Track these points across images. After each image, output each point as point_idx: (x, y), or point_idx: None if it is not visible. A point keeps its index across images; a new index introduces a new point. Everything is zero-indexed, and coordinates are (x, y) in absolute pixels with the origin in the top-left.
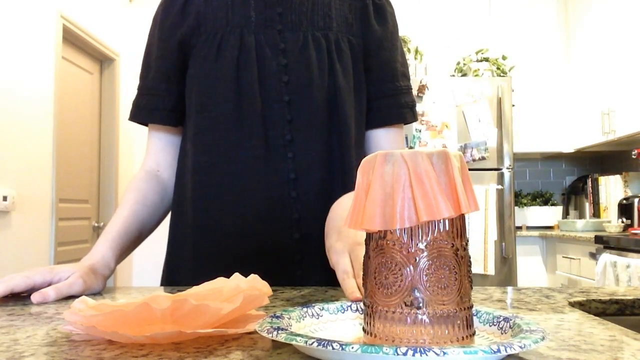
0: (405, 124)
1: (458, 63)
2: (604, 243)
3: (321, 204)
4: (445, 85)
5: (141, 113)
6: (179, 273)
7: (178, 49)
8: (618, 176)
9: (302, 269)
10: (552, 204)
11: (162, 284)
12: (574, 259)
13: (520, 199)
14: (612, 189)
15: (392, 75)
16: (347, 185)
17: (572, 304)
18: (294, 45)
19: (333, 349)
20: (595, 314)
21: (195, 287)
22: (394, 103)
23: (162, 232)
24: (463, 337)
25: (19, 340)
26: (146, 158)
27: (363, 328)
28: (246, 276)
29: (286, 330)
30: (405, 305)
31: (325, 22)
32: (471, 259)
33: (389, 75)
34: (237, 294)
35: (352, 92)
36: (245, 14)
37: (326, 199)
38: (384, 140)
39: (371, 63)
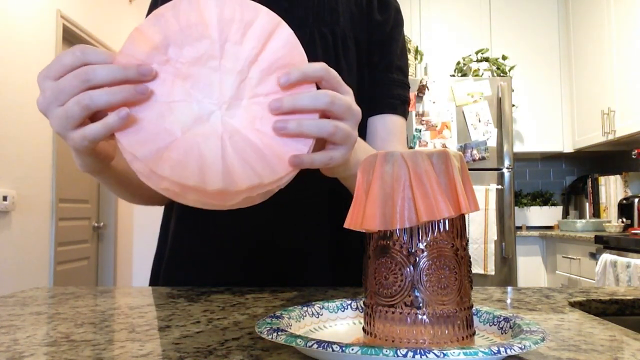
0: (394, 114)
1: (458, 63)
2: (604, 243)
3: (325, 207)
4: (445, 85)
5: None
6: (178, 273)
7: None
8: (618, 176)
9: (309, 271)
10: (552, 204)
11: (151, 284)
12: (574, 259)
13: (520, 199)
14: (612, 189)
15: (387, 66)
16: (351, 189)
17: (572, 304)
18: (300, 42)
19: (333, 350)
20: (595, 314)
21: None
22: (386, 93)
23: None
24: (463, 337)
25: (19, 340)
26: None
27: (363, 328)
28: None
29: (286, 331)
30: (405, 305)
31: (332, 16)
32: (471, 259)
33: (383, 66)
34: None
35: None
36: None
37: (331, 203)
38: (379, 127)
39: (370, 53)
